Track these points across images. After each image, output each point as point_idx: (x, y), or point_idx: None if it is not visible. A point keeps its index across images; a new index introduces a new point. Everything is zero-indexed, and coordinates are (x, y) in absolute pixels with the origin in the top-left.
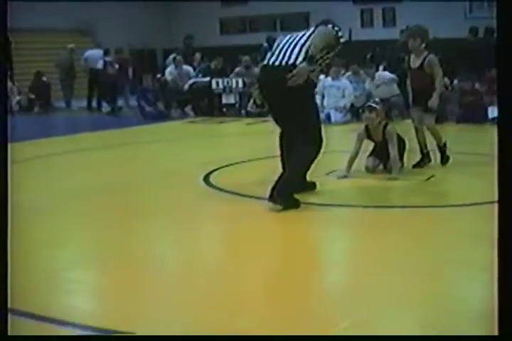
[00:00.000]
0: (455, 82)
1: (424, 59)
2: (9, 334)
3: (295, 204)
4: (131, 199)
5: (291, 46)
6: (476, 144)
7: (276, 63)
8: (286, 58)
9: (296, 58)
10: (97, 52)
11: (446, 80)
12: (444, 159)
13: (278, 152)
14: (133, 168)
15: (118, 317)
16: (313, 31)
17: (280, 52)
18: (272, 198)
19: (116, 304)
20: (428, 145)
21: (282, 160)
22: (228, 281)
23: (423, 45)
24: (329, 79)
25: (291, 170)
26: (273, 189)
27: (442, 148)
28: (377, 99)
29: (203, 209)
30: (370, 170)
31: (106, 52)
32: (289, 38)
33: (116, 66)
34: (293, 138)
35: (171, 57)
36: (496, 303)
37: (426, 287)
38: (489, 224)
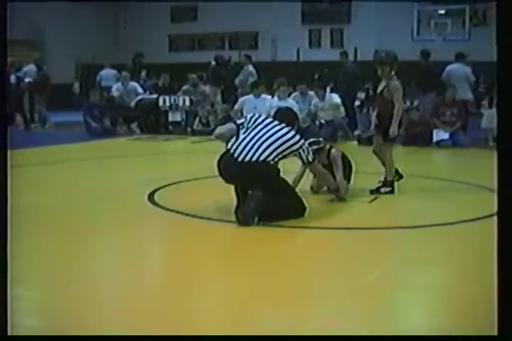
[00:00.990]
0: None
1: (387, 85)
2: (9, 334)
3: None
4: (74, 216)
5: (264, 144)
6: (422, 166)
7: (247, 158)
8: (256, 154)
9: (268, 156)
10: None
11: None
12: (375, 191)
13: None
14: (75, 185)
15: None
16: (283, 135)
17: (247, 144)
18: None
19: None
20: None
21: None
22: (169, 297)
23: (392, 72)
24: (276, 99)
25: None
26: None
27: (387, 182)
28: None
29: (146, 227)
30: (315, 191)
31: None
32: (260, 130)
33: (27, 80)
34: None
35: (106, 72)
36: (495, 303)
37: (360, 307)
38: (428, 246)
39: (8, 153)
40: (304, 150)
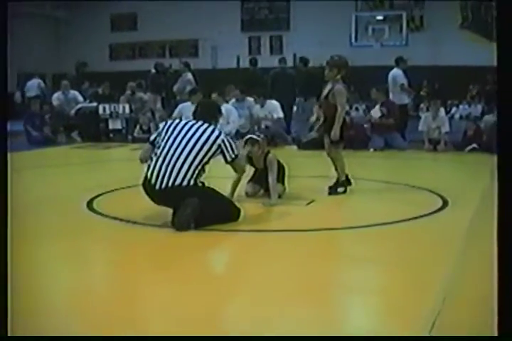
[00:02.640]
0: None
1: (332, 88)
2: (9, 334)
3: None
4: (12, 225)
5: (178, 163)
6: (358, 169)
7: (163, 185)
8: (171, 179)
9: (184, 177)
10: None
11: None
12: (332, 191)
13: None
14: (14, 194)
15: None
16: (196, 142)
17: (167, 168)
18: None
19: None
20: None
21: None
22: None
23: (338, 76)
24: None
25: None
26: None
27: (340, 182)
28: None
29: (82, 234)
30: (250, 195)
31: None
32: (172, 145)
33: None
34: None
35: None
36: (495, 303)
37: (298, 310)
38: (362, 247)
39: None
40: (226, 147)
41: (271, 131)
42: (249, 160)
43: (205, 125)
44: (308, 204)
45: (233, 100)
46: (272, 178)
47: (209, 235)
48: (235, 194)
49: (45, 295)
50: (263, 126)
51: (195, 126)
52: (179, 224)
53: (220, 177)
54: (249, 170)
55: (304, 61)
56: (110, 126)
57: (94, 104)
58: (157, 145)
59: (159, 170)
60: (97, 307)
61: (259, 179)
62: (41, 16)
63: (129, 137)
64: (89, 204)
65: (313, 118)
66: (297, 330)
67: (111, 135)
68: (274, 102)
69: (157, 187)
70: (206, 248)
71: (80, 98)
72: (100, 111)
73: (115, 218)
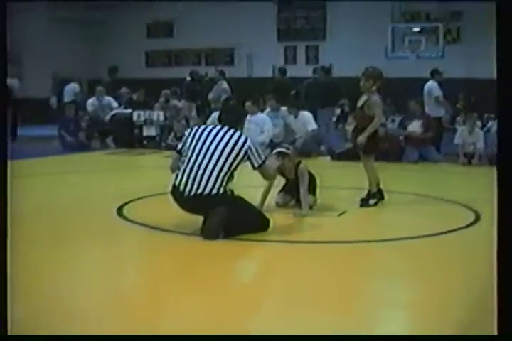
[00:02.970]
0: None
1: (367, 99)
2: (9, 334)
3: None
4: (44, 230)
5: (207, 171)
6: (392, 182)
7: (192, 193)
8: (200, 187)
9: (213, 185)
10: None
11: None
12: (364, 204)
13: None
14: (47, 199)
15: None
16: (224, 148)
17: (195, 176)
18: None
19: None
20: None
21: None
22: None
23: (374, 87)
24: (248, 114)
25: None
26: None
27: (372, 194)
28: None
29: (112, 240)
30: (280, 206)
31: None
32: (199, 153)
33: None
34: None
35: (68, 87)
36: (495, 303)
37: (325, 322)
38: (393, 260)
39: None
40: (253, 153)
41: (304, 141)
42: (280, 170)
43: (231, 130)
44: (340, 215)
45: (268, 109)
46: (303, 189)
47: (238, 245)
48: (265, 204)
49: (75, 300)
50: (296, 136)
51: (221, 132)
52: (207, 233)
53: (250, 187)
54: (280, 181)
55: (326, 70)
56: (144, 133)
57: (129, 110)
58: (184, 154)
59: (188, 178)
60: (121, 313)
61: (290, 189)
62: (77, 21)
63: (163, 144)
64: (120, 210)
65: (349, 129)
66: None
67: (144, 142)
68: (307, 113)
69: (185, 194)
70: (234, 257)
71: (115, 104)
72: (135, 117)
73: (144, 225)
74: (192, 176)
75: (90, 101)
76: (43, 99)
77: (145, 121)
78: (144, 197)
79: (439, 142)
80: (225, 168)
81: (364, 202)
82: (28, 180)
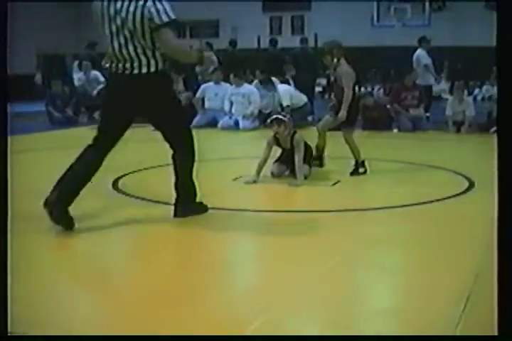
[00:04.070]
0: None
1: (336, 72)
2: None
3: (202, 210)
4: (35, 204)
5: (128, 43)
6: (382, 150)
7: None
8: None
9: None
10: None
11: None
12: (354, 172)
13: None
14: (38, 175)
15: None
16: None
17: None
18: (177, 213)
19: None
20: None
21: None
22: (135, 283)
23: (335, 59)
24: (233, 86)
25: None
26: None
27: (359, 164)
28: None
29: (109, 213)
30: (276, 176)
31: None
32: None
33: None
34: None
35: (76, 63)
36: (495, 303)
37: (333, 289)
38: (389, 228)
39: None
40: (157, 9)
41: (301, 111)
42: (276, 140)
43: None
44: (334, 185)
45: (256, 81)
46: (298, 159)
47: (233, 215)
48: (261, 174)
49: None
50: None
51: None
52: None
53: (246, 157)
54: (276, 151)
55: (274, 41)
56: None
57: None
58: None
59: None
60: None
61: (286, 159)
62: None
63: None
64: (114, 184)
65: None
66: (318, 308)
67: None
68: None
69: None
70: (228, 228)
71: (102, 78)
72: None
73: (141, 198)
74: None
75: (77, 76)
76: (30, 76)
77: None
78: (136, 171)
79: (428, 111)
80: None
81: (354, 171)
82: (16, 156)
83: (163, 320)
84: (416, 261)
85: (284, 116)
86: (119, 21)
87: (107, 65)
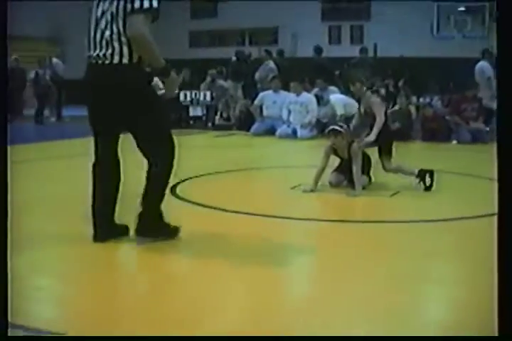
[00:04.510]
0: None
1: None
2: (9, 334)
3: (172, 233)
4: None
5: (107, 27)
6: (441, 162)
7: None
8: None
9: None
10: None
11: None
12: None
13: None
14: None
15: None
16: None
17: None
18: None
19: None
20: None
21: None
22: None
23: (364, 88)
24: (293, 94)
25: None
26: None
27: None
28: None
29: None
30: (334, 185)
31: (39, 63)
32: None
33: (48, 77)
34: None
35: None
36: (495, 303)
37: (386, 299)
38: (451, 239)
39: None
40: None
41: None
42: (334, 150)
43: None
44: (393, 195)
45: (317, 89)
46: (356, 168)
47: (285, 223)
48: (319, 183)
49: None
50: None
51: None
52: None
53: (304, 166)
54: (335, 160)
55: (319, 50)
56: (191, 113)
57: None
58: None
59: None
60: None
61: (344, 169)
62: None
63: (209, 124)
64: (173, 189)
65: (395, 110)
66: (369, 318)
67: (191, 122)
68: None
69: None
70: (281, 236)
71: (161, 84)
72: (181, 97)
73: (198, 204)
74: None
75: None
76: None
77: (191, 101)
78: (195, 176)
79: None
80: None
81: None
82: (69, 160)
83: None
84: (459, 274)
85: (341, 127)
86: (107, 3)
87: (88, 54)
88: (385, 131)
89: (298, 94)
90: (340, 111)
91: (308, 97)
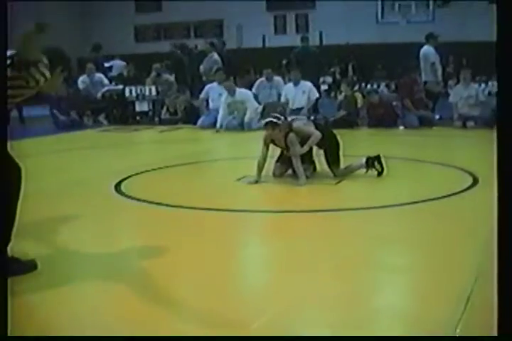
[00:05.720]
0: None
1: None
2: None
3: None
4: (41, 208)
5: None
6: (390, 148)
7: None
8: None
9: None
10: None
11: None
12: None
13: None
14: (44, 177)
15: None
16: None
17: None
18: None
19: None
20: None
21: None
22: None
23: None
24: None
25: None
26: None
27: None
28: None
29: (110, 216)
30: (277, 176)
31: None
32: None
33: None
34: None
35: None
36: (495, 303)
37: (330, 288)
38: (394, 226)
39: None
40: None
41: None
42: (272, 140)
43: None
44: (338, 183)
45: (263, 79)
46: (294, 159)
47: (235, 216)
48: (262, 174)
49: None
50: (294, 107)
51: None
52: None
53: (246, 158)
54: (276, 150)
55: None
56: (137, 109)
57: (121, 86)
58: None
59: None
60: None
61: (285, 159)
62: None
63: (156, 119)
64: (117, 186)
65: (340, 98)
66: (322, 308)
67: (138, 117)
68: (308, 83)
69: None
70: (234, 228)
71: (106, 81)
72: (127, 93)
73: (143, 200)
74: None
75: (81, 78)
76: None
77: (137, 97)
78: (142, 172)
79: (434, 106)
80: None
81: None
82: (24, 160)
83: (161, 320)
84: (417, 260)
85: (279, 119)
86: None
87: None
88: (330, 140)
89: (233, 94)
90: (315, 94)
91: (245, 95)
